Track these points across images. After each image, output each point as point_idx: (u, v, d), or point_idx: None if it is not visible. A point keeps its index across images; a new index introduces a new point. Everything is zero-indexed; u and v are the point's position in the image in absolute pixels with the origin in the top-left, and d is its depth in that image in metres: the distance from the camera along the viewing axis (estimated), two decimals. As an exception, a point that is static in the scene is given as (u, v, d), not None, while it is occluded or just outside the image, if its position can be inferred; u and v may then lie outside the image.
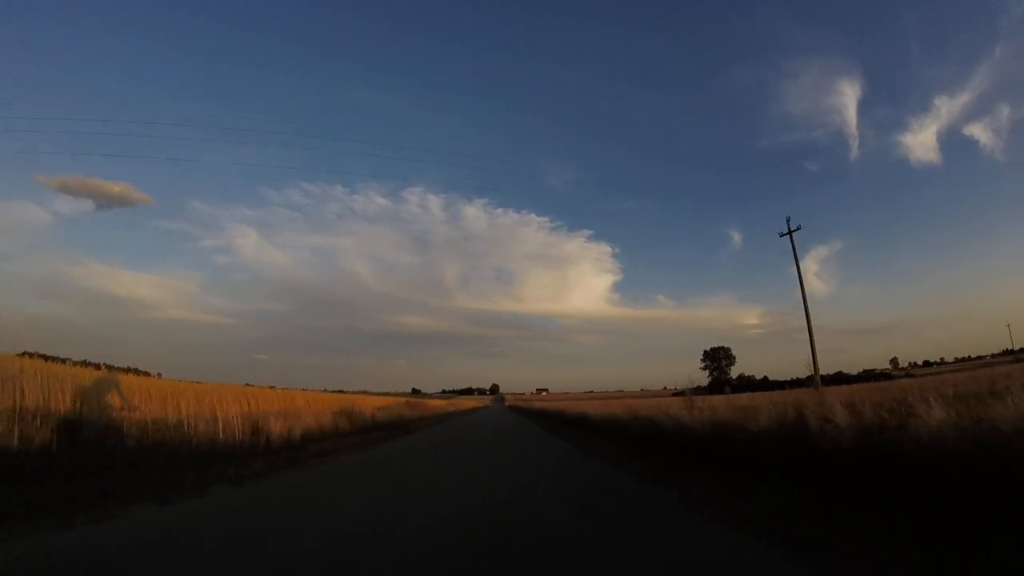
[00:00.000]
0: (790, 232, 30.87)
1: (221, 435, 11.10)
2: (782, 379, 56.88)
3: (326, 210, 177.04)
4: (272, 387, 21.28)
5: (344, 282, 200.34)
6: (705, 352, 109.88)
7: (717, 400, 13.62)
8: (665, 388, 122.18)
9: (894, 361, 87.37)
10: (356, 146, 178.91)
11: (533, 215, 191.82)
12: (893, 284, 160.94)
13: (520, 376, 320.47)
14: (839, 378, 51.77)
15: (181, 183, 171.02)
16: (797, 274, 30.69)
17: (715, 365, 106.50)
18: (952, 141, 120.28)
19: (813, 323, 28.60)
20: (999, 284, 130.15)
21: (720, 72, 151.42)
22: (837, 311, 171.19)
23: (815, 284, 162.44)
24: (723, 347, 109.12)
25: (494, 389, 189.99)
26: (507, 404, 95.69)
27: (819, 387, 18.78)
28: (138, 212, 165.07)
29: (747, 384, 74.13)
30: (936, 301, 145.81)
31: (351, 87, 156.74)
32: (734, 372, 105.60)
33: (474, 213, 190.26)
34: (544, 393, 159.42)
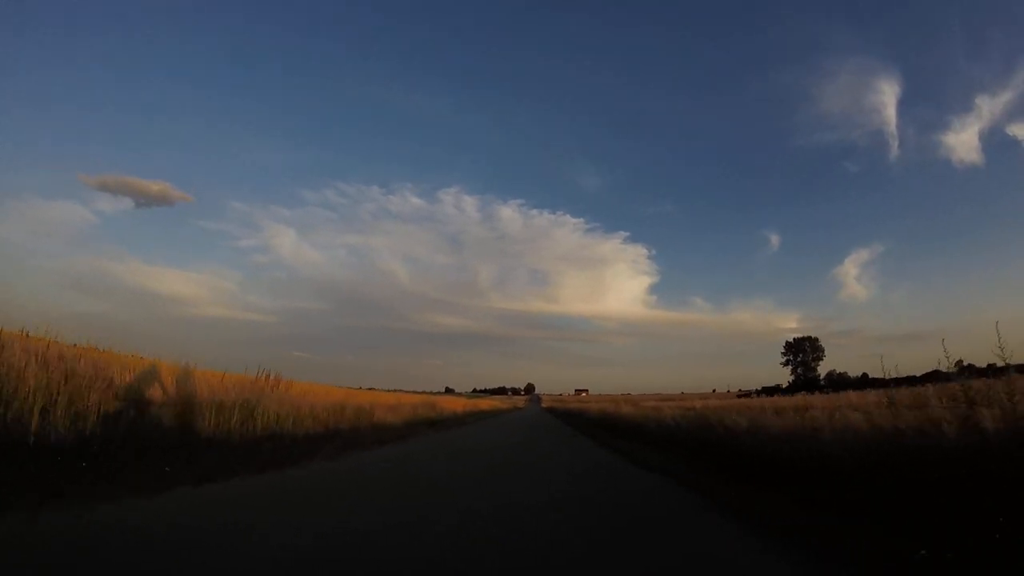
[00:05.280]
0: None
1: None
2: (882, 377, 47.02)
3: (362, 210, 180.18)
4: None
5: (379, 282, 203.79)
6: (787, 344, 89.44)
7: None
8: (714, 391, 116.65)
9: (959, 363, 79.16)
10: (392, 146, 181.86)
11: (568, 216, 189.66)
12: (937, 288, 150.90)
13: (555, 377, 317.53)
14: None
15: (220, 183, 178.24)
16: None
17: (799, 360, 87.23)
18: (995, 141, 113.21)
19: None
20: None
21: (756, 71, 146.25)
22: (878, 317, 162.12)
23: (855, 288, 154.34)
24: (810, 337, 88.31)
25: (529, 389, 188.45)
26: (544, 406, 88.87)
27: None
28: (178, 211, 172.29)
29: (842, 383, 57.13)
30: (982, 305, 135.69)
31: (388, 87, 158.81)
32: (822, 369, 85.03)
33: (509, 214, 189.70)
34: (584, 394, 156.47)
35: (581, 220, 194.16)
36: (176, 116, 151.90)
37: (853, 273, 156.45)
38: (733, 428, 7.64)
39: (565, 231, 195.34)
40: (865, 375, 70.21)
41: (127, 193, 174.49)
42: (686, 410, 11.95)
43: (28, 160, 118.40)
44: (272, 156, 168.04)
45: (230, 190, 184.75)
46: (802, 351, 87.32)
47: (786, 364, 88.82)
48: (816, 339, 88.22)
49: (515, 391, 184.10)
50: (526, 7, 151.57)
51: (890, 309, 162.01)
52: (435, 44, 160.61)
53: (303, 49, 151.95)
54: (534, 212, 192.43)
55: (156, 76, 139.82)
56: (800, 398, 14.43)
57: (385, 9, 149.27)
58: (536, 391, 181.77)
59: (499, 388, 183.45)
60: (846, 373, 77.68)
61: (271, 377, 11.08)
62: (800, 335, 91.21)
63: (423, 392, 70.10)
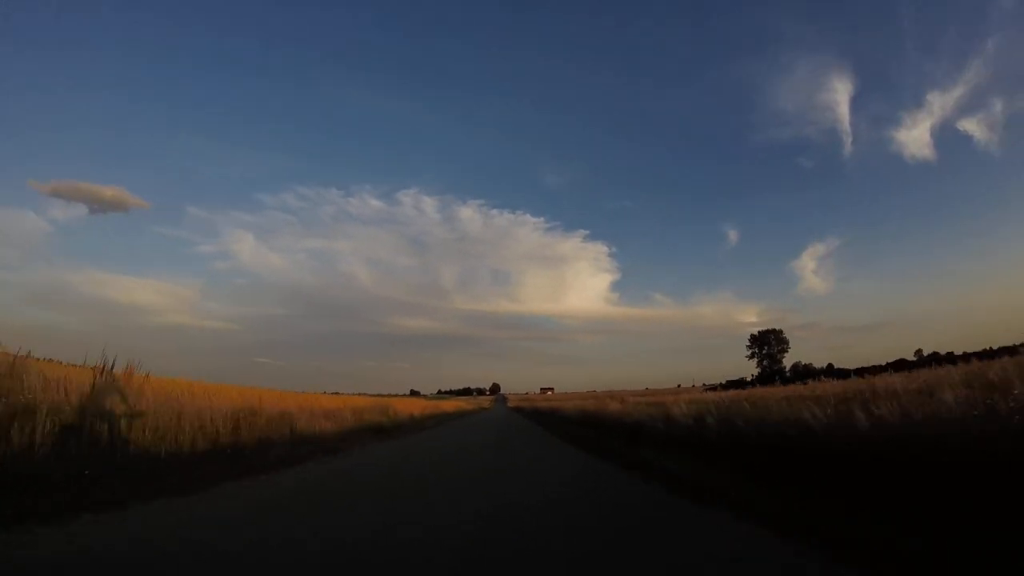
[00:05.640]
0: None
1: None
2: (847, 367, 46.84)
3: (322, 213, 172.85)
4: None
5: (342, 285, 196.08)
6: (752, 337, 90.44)
7: None
8: (679, 386, 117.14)
9: (919, 352, 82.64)
10: (348, 147, 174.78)
11: (528, 216, 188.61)
12: (891, 280, 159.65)
13: (520, 376, 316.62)
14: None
15: (177, 188, 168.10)
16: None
17: (765, 352, 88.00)
18: (946, 136, 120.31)
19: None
20: (1000, 276, 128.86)
21: (713, 68, 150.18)
22: (836, 309, 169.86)
23: (813, 281, 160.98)
24: (774, 330, 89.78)
25: (494, 389, 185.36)
26: (510, 405, 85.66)
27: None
28: (134, 217, 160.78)
29: (808, 373, 58.88)
30: (936, 296, 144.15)
31: (341, 88, 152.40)
32: (786, 361, 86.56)
33: (469, 214, 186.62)
34: (550, 392, 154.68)
35: (541, 219, 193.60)
36: (129, 121, 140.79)
37: (810, 267, 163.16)
38: (810, 424, 5.02)
39: (526, 230, 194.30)
40: (831, 365, 71.33)
41: (81, 199, 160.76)
42: (699, 404, 9.36)
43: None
44: (228, 160, 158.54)
45: (187, 195, 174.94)
46: (767, 343, 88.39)
47: (751, 357, 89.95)
48: (781, 331, 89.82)
49: (480, 391, 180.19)
50: (483, 5, 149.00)
51: (847, 301, 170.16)
52: (390, 44, 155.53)
53: (253, 51, 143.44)
54: (494, 212, 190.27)
55: (108, 81, 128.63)
56: (857, 381, 12.10)
57: (338, 11, 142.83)
58: (502, 391, 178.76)
59: (464, 389, 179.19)
60: (811, 364, 79.27)
61: (125, 370, 7.60)
62: (761, 328, 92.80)
63: (389, 395, 65.63)
